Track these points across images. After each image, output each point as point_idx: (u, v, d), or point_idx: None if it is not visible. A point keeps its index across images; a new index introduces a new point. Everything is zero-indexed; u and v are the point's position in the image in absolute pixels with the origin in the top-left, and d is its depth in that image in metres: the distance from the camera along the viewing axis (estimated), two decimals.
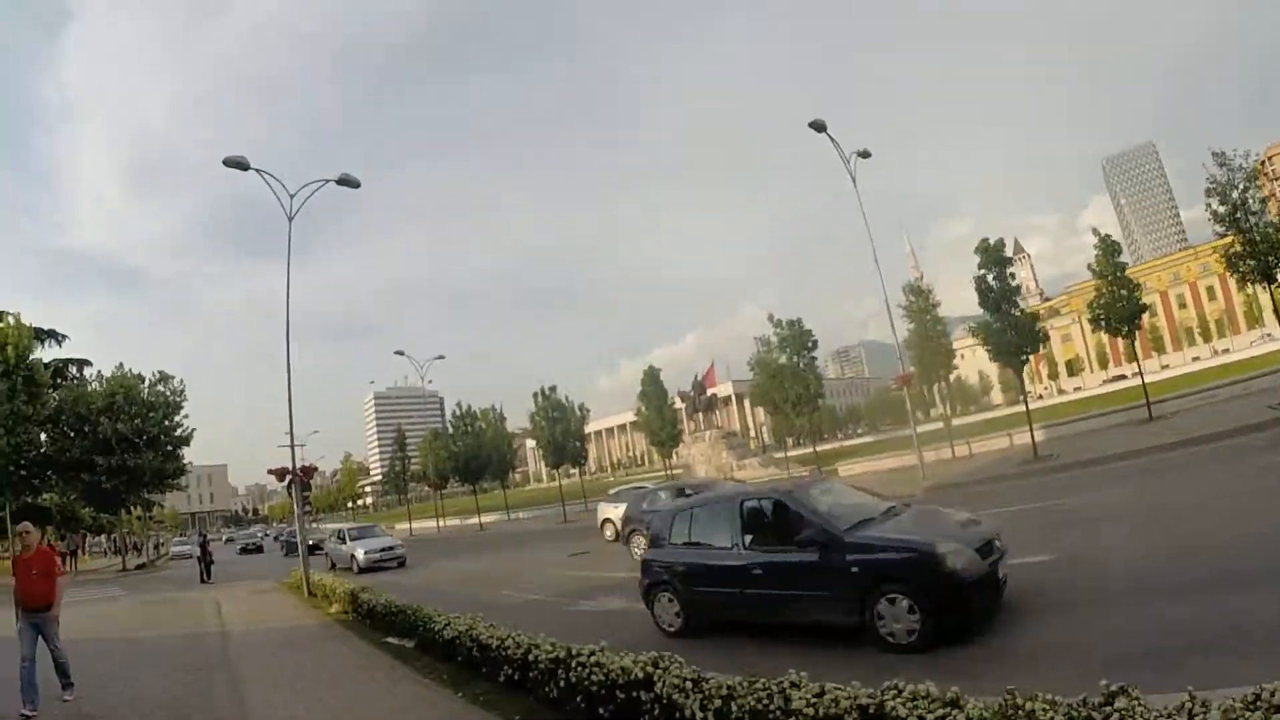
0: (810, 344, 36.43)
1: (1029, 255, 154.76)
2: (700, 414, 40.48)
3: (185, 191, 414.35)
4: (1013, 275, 23.39)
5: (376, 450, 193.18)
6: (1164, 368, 74.96)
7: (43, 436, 33.28)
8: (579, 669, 5.46)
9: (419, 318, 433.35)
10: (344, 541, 25.23)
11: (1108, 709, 3.15)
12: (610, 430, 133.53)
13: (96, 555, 58.87)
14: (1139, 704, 3.12)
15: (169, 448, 35.84)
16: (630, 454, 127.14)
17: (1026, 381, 27.44)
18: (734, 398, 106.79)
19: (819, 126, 23.09)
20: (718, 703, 4.41)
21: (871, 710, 3.78)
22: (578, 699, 5.41)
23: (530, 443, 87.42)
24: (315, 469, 21.55)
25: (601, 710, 5.21)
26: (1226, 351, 78.78)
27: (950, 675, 4.42)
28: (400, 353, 48.87)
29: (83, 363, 40.12)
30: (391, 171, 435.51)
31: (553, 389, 41.46)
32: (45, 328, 36.40)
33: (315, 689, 7.68)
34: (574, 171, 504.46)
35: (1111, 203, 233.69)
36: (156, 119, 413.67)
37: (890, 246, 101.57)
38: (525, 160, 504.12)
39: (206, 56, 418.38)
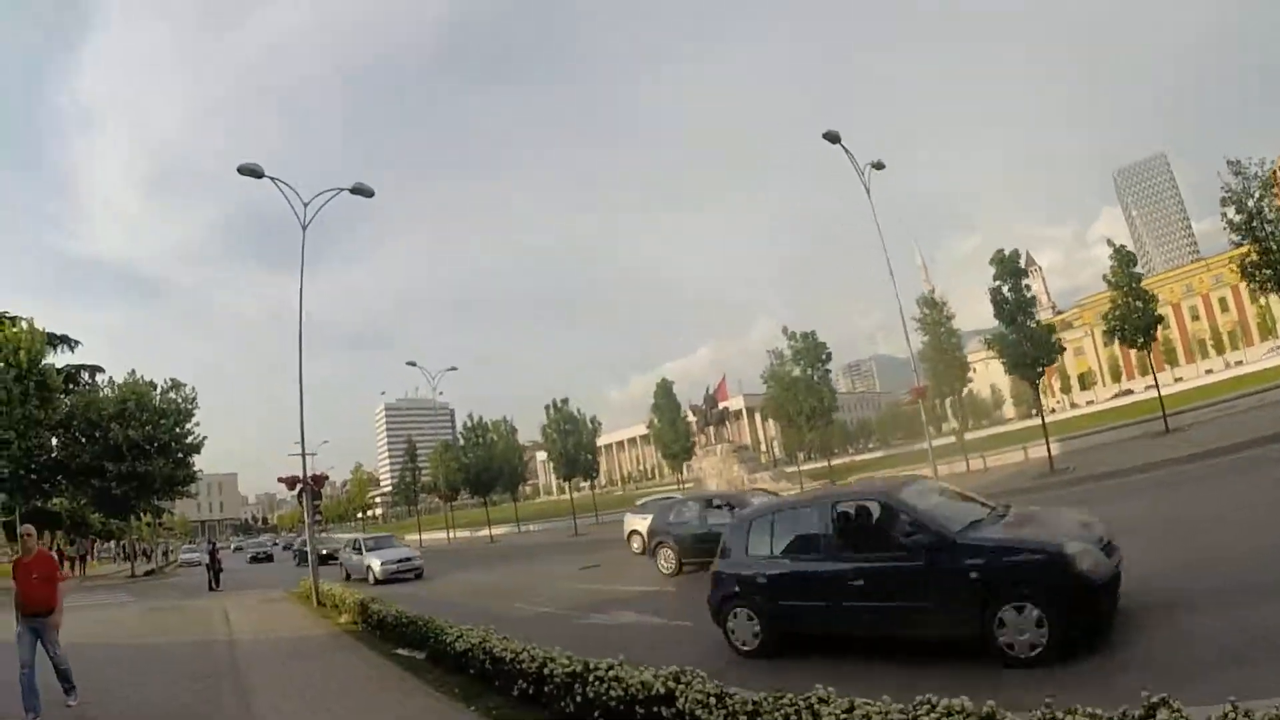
0: (824, 356, 36.32)
1: (1040, 268, 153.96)
2: (712, 427, 40.20)
3: (201, 200, 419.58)
4: (1028, 287, 23.19)
5: (387, 461, 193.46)
6: (1177, 380, 74.15)
7: (54, 441, 33.40)
8: (597, 683, 5.32)
9: (430, 327, 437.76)
10: (360, 552, 24.63)
11: None
12: (621, 444, 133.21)
13: (105, 560, 59.00)
14: (1180, 715, 3.04)
15: (179, 455, 35.82)
16: (641, 467, 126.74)
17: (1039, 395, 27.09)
18: (745, 411, 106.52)
19: (833, 138, 22.64)
20: (743, 719, 4.29)
21: None
22: (595, 714, 5.25)
23: (541, 455, 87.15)
24: (326, 478, 21.48)
25: None
26: (1240, 363, 77.76)
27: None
28: (412, 364, 48.83)
29: (95, 369, 40.30)
30: (405, 181, 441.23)
31: (565, 401, 41.34)
32: (58, 333, 36.65)
33: (324, 699, 7.57)
34: (583, 183, 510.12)
35: (1123, 214, 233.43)
36: (172, 128, 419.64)
37: (899, 257, 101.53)
38: (537, 170, 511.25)
39: (222, 66, 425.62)
